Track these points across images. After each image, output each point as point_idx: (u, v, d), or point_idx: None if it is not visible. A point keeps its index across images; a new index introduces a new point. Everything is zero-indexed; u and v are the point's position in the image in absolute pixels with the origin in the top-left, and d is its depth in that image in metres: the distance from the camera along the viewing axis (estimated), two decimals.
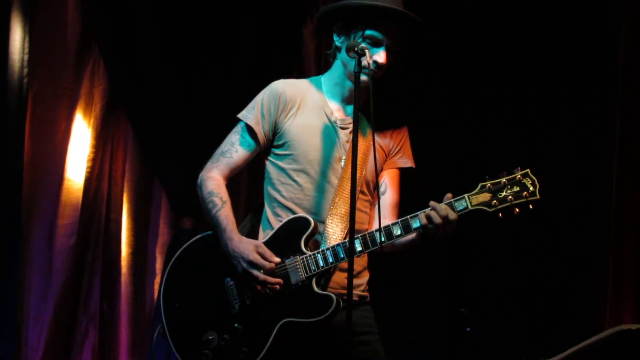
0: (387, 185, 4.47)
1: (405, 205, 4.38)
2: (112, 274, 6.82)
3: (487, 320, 6.08)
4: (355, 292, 4.31)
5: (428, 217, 4.00)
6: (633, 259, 5.92)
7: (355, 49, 3.98)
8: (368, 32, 4.20)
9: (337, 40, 4.38)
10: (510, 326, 6.18)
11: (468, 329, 5.52)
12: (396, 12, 4.17)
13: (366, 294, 4.42)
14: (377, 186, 4.39)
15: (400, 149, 4.50)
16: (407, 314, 6.30)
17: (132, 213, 6.87)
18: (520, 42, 6.28)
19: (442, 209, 3.97)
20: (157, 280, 6.78)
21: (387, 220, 4.28)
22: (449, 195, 4.04)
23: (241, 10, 6.70)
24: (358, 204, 4.29)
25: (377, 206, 4.24)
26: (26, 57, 6.42)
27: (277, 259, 4.11)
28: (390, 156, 4.49)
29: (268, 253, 4.11)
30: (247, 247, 4.12)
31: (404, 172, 4.54)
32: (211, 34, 6.70)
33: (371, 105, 3.89)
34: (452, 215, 3.99)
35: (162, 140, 6.72)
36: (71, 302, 6.69)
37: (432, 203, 4.01)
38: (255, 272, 4.08)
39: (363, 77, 4.06)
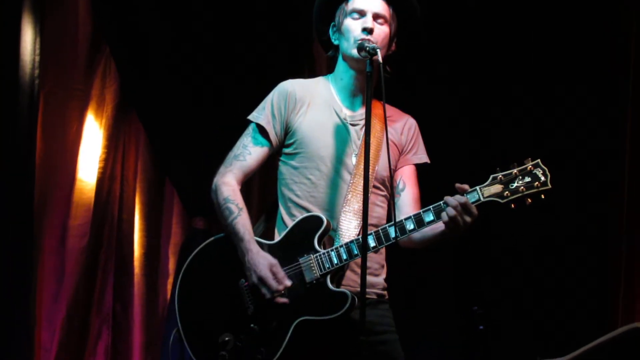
0: (405, 182, 4.44)
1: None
2: (124, 275, 6.84)
3: (500, 318, 6.08)
4: (373, 290, 4.31)
5: (442, 211, 3.98)
6: None
7: (367, 48, 4.00)
8: (349, 7, 4.28)
9: (334, 38, 4.41)
10: (523, 324, 6.17)
11: (480, 327, 5.51)
12: None
13: (384, 292, 4.40)
14: (391, 180, 4.36)
15: (413, 144, 4.49)
16: (420, 312, 6.30)
17: (145, 214, 6.89)
18: (530, 33, 6.32)
19: (454, 201, 3.95)
20: (170, 280, 6.79)
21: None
22: (459, 186, 4.00)
23: (253, 11, 6.71)
24: (373, 199, 4.27)
25: (393, 204, 4.29)
26: (37, 58, 6.40)
27: (288, 283, 4.07)
28: (405, 153, 4.47)
29: (281, 275, 4.07)
30: (262, 262, 4.08)
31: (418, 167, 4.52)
32: (222, 34, 6.70)
33: (382, 85, 3.90)
34: (468, 204, 3.96)
35: (173, 140, 6.73)
36: (84, 303, 6.69)
37: (446, 197, 3.99)
38: (264, 290, 4.07)
39: (354, 51, 4.16)
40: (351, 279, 4.19)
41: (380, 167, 4.34)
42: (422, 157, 4.51)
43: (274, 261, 4.10)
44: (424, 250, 4.41)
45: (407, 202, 4.41)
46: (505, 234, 6.18)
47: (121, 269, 6.84)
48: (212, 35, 6.70)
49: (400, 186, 4.44)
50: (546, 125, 6.29)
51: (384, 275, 4.41)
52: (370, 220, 4.15)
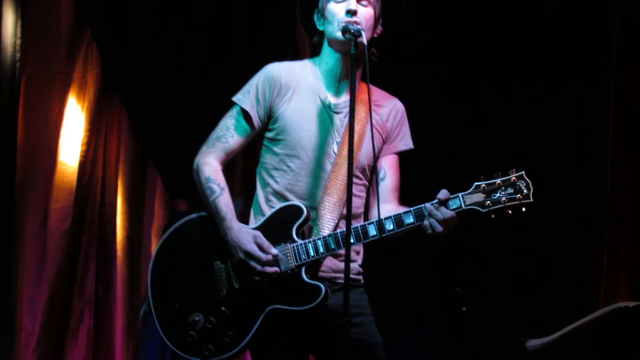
0: (387, 170, 4.43)
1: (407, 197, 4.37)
2: (107, 258, 6.85)
3: (483, 299, 6.11)
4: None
5: (423, 214, 4.02)
6: (624, 238, 5.98)
7: (351, 30, 4.00)
8: None
9: (318, 24, 4.38)
10: (507, 306, 6.20)
11: (464, 309, 5.54)
12: None
13: (359, 277, 4.40)
14: (374, 170, 4.37)
15: (399, 131, 4.48)
16: (402, 294, 6.32)
17: (127, 196, 6.88)
18: (516, 35, 6.34)
19: (440, 215, 3.99)
20: None
21: (388, 205, 4.31)
22: (443, 191, 4.03)
23: None
24: (353, 188, 4.22)
25: (376, 191, 4.29)
26: (19, 41, 6.40)
27: (275, 251, 4.08)
28: (390, 141, 4.46)
29: (266, 244, 4.08)
30: (246, 237, 4.08)
31: (403, 162, 4.52)
32: (204, 15, 6.69)
33: (367, 67, 3.92)
34: (448, 214, 4.00)
35: (155, 123, 6.72)
36: (66, 286, 6.69)
37: (427, 206, 4.02)
38: (253, 264, 4.06)
39: (338, 34, 4.15)
40: (325, 264, 4.21)
41: (362, 155, 4.33)
42: (408, 144, 4.50)
43: (257, 232, 4.11)
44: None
45: (386, 191, 4.41)
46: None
47: (103, 252, 6.85)
48: (194, 18, 6.69)
49: (381, 175, 4.43)
50: (528, 124, 6.34)
51: (359, 261, 4.41)
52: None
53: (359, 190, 4.36)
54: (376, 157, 4.33)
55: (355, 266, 4.36)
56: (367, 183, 4.41)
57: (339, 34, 4.17)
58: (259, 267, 4.06)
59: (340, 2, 4.23)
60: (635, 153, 6.04)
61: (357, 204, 4.35)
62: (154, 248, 6.73)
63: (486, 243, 6.30)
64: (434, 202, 4.01)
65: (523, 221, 5.85)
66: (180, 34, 6.69)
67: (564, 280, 6.11)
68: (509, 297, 6.24)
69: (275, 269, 4.07)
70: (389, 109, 4.47)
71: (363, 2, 4.25)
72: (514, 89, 6.38)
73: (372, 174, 4.40)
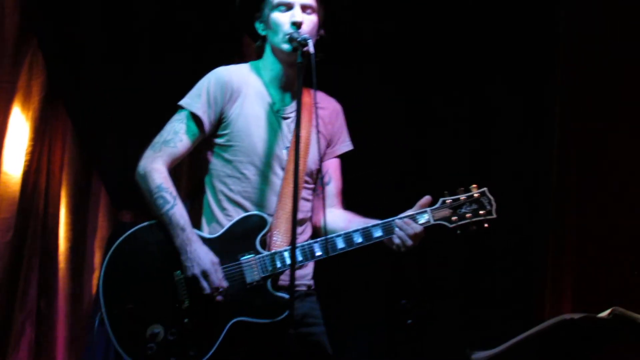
0: (331, 175, 4.49)
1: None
2: (49, 269, 6.73)
3: (428, 312, 6.12)
4: (302, 282, 4.34)
5: (391, 229, 4.10)
6: (569, 251, 6.03)
7: (298, 39, 4.01)
8: (276, 0, 4.24)
9: (260, 29, 4.37)
10: (452, 318, 6.22)
11: (409, 321, 5.54)
12: None
13: (311, 282, 4.42)
14: (320, 174, 4.42)
15: (340, 134, 4.54)
16: (349, 305, 6.32)
17: (71, 207, 6.79)
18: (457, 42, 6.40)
19: (405, 224, 4.03)
20: (96, 275, 6.70)
21: (335, 210, 4.39)
22: (427, 197, 4.13)
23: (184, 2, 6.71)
24: (302, 193, 4.32)
25: (315, 195, 4.40)
26: None
27: (226, 284, 4.04)
28: (332, 144, 4.51)
29: (221, 275, 4.05)
30: (206, 257, 4.04)
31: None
32: (151, 23, 6.68)
33: (314, 76, 3.93)
34: (418, 229, 4.08)
35: (101, 133, 6.67)
36: (7, 298, 6.55)
37: (397, 222, 4.09)
38: (204, 285, 4.01)
39: (284, 46, 4.17)
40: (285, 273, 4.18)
41: (310, 160, 4.36)
42: (348, 145, 4.56)
43: (216, 259, 4.07)
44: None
45: (332, 195, 4.49)
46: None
47: (46, 263, 6.73)
48: (141, 26, 6.67)
49: (326, 179, 4.47)
50: (475, 133, 6.40)
51: (311, 267, 4.42)
52: (299, 215, 4.17)
53: (308, 194, 4.40)
54: (321, 161, 4.39)
55: (308, 272, 4.40)
56: (315, 186, 4.45)
57: (285, 46, 4.19)
58: (207, 290, 4.01)
59: (284, 11, 4.22)
60: (581, 160, 6.12)
61: (307, 207, 4.40)
62: (97, 260, 6.70)
63: (431, 256, 6.31)
64: (403, 216, 4.07)
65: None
66: (127, 41, 6.65)
67: (509, 292, 6.16)
68: (455, 310, 6.26)
69: (222, 298, 4.03)
70: (330, 111, 4.52)
71: (308, 11, 4.25)
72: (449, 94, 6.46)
73: (319, 177, 4.44)
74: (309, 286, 4.40)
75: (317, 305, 4.41)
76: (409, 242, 4.08)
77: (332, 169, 4.50)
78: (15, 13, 6.61)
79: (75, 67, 6.63)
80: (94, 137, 6.69)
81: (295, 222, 3.79)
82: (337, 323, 4.69)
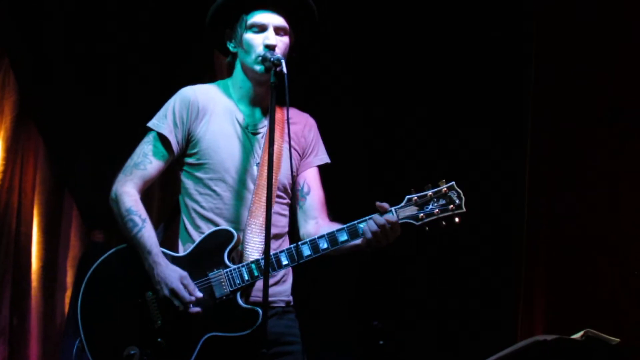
0: (310, 185, 4.46)
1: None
2: (22, 288, 6.71)
3: (400, 332, 6.14)
4: (280, 298, 4.31)
5: (356, 231, 4.05)
6: (543, 269, 6.07)
7: (271, 59, 4.02)
8: (249, 21, 4.23)
9: (231, 46, 4.36)
10: (424, 339, 6.23)
11: (381, 342, 5.55)
12: None
13: (290, 298, 4.40)
14: (298, 187, 4.42)
15: (313, 147, 4.51)
16: (321, 325, 6.34)
17: (43, 226, 6.78)
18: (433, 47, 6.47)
19: (381, 219, 3.99)
20: (68, 294, 6.70)
21: (320, 220, 4.36)
22: (379, 204, 4.03)
23: (153, 17, 6.72)
24: (277, 208, 4.29)
25: (298, 209, 4.39)
26: None
27: (199, 294, 4.04)
28: (306, 156, 4.49)
29: (191, 287, 4.04)
30: (173, 275, 4.04)
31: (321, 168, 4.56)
32: (124, 43, 6.68)
33: (287, 96, 3.94)
34: (391, 218, 3.99)
35: (73, 152, 6.68)
36: None
37: (374, 216, 4.02)
38: (176, 302, 4.02)
39: (257, 67, 4.17)
40: (258, 288, 4.14)
41: (282, 175, 4.34)
42: (323, 158, 4.53)
43: (184, 273, 4.07)
44: (329, 262, 4.35)
45: (314, 206, 4.43)
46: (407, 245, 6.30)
47: (18, 282, 6.71)
48: (114, 46, 6.67)
49: (305, 189, 4.44)
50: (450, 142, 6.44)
51: (289, 282, 4.40)
52: (274, 230, 4.18)
53: (282, 209, 4.37)
54: (294, 176, 4.36)
55: (286, 288, 4.37)
56: (290, 201, 4.42)
57: (257, 67, 4.18)
58: (181, 307, 4.03)
59: (258, 32, 4.22)
60: (553, 178, 6.15)
61: (283, 222, 4.37)
62: (69, 278, 6.70)
63: (403, 275, 6.35)
64: (366, 219, 4.03)
65: (441, 250, 5.96)
66: (98, 62, 6.65)
67: (481, 313, 6.17)
68: (427, 330, 6.28)
69: (198, 309, 4.05)
70: (302, 126, 4.49)
71: (281, 33, 4.24)
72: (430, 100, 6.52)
73: (292, 191, 4.43)
74: (287, 302, 4.36)
75: (295, 323, 4.38)
76: (385, 241, 4.00)
77: (310, 179, 4.47)
78: None
79: (47, 87, 6.63)
80: (66, 157, 6.69)
81: (269, 235, 3.79)
82: (309, 344, 4.71)
